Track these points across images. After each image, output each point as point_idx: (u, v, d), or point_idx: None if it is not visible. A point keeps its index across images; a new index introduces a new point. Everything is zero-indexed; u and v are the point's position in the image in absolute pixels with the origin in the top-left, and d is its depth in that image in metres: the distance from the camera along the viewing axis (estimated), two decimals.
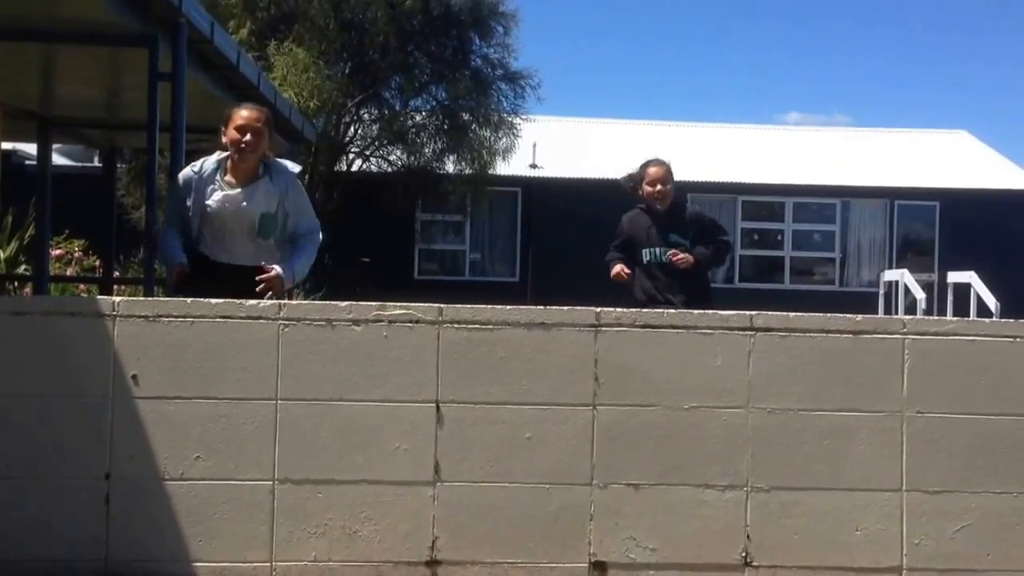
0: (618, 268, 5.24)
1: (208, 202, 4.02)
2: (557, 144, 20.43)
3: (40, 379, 3.15)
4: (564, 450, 3.26)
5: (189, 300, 3.27)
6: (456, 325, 3.26)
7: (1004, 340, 3.37)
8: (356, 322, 3.23)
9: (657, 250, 5.17)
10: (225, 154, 4.11)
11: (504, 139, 16.82)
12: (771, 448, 3.30)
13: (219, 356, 3.19)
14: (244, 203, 4.03)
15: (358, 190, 16.96)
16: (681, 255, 5.09)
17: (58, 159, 15.71)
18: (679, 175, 5.37)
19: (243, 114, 4.06)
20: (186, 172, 4.17)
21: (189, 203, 4.09)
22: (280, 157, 4.27)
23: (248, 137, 3.99)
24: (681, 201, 5.47)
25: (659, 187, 5.19)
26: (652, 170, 5.25)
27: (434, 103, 17.18)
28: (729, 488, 3.29)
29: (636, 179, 5.32)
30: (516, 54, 17.22)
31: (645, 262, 5.23)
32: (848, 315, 3.37)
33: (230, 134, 4.04)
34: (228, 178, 4.07)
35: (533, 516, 3.25)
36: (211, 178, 4.08)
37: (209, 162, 4.13)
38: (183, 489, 3.17)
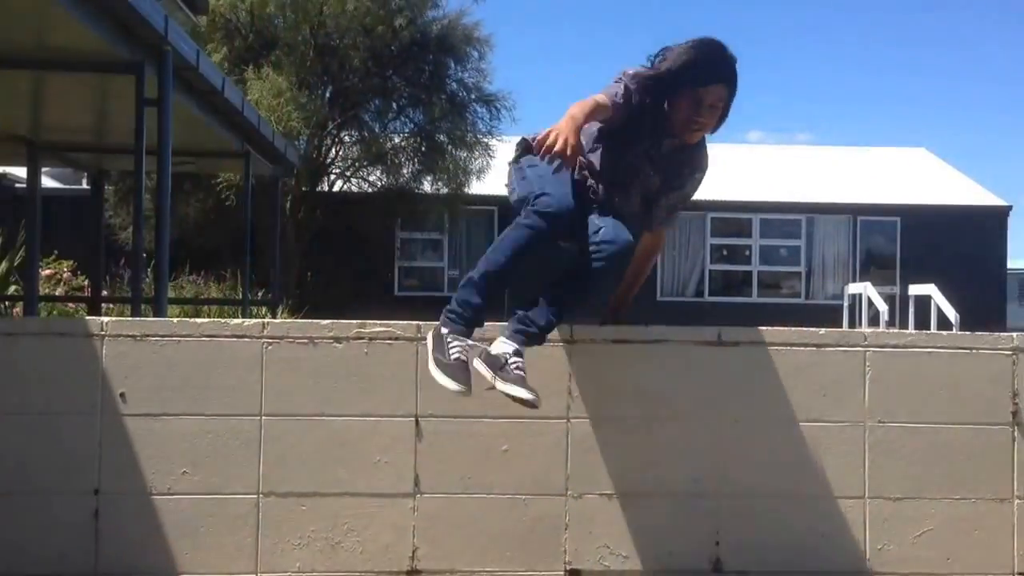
0: None
1: None
2: None
3: (31, 398, 3.26)
4: (540, 462, 3.38)
5: (175, 320, 3.38)
6: None
7: (961, 352, 3.50)
8: (337, 339, 3.35)
9: None
10: None
11: (479, 159, 17.13)
12: (739, 457, 3.42)
13: (205, 374, 3.30)
14: None
15: (340, 210, 17.16)
16: None
17: (47, 182, 15.78)
18: None
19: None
20: None
21: None
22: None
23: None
24: None
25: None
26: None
27: (412, 125, 17.47)
28: (699, 496, 3.41)
29: None
30: (491, 78, 17.60)
31: None
32: (812, 328, 3.50)
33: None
34: None
35: (510, 526, 3.36)
36: None
37: None
38: (171, 503, 3.28)
